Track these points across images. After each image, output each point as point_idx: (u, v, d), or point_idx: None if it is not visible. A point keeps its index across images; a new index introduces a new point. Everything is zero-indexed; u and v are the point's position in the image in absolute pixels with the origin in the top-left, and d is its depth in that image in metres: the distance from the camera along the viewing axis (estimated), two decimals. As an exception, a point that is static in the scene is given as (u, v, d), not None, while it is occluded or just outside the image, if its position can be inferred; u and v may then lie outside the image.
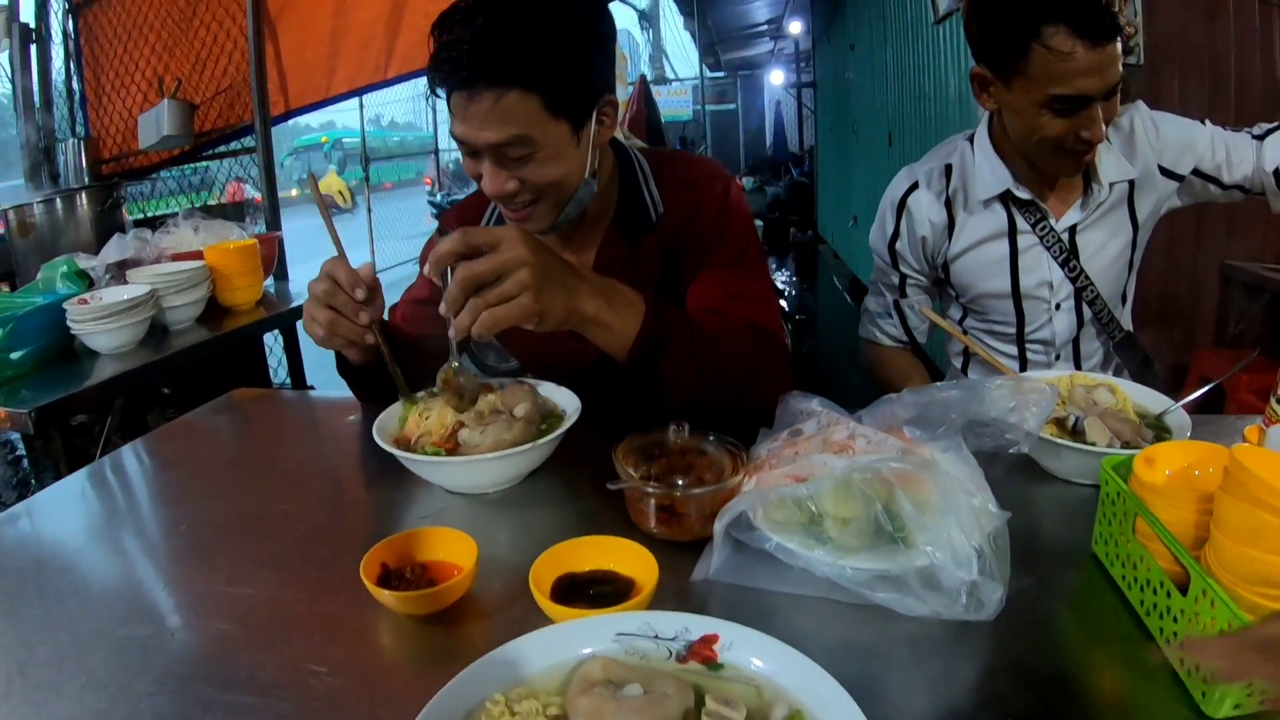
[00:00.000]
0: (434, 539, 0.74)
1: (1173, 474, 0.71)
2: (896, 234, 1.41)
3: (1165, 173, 1.30)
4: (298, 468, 1.09)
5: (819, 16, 9.18)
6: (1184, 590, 0.59)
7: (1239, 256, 2.56)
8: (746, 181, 11.39)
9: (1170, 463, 0.71)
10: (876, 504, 0.69)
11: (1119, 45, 1.11)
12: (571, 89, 0.96)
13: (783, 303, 6.76)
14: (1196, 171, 1.29)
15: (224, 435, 1.25)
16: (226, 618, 0.72)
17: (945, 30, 3.56)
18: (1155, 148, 1.29)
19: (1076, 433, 0.93)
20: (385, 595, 0.67)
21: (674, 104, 13.21)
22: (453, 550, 0.73)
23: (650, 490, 0.75)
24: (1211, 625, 0.56)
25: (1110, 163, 1.28)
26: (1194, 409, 0.95)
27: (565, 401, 0.99)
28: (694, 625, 0.56)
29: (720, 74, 17.04)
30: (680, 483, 0.76)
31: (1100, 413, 0.97)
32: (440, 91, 0.97)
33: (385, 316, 1.09)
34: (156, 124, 2.62)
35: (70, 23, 2.99)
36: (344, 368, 1.13)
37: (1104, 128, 1.15)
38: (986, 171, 1.31)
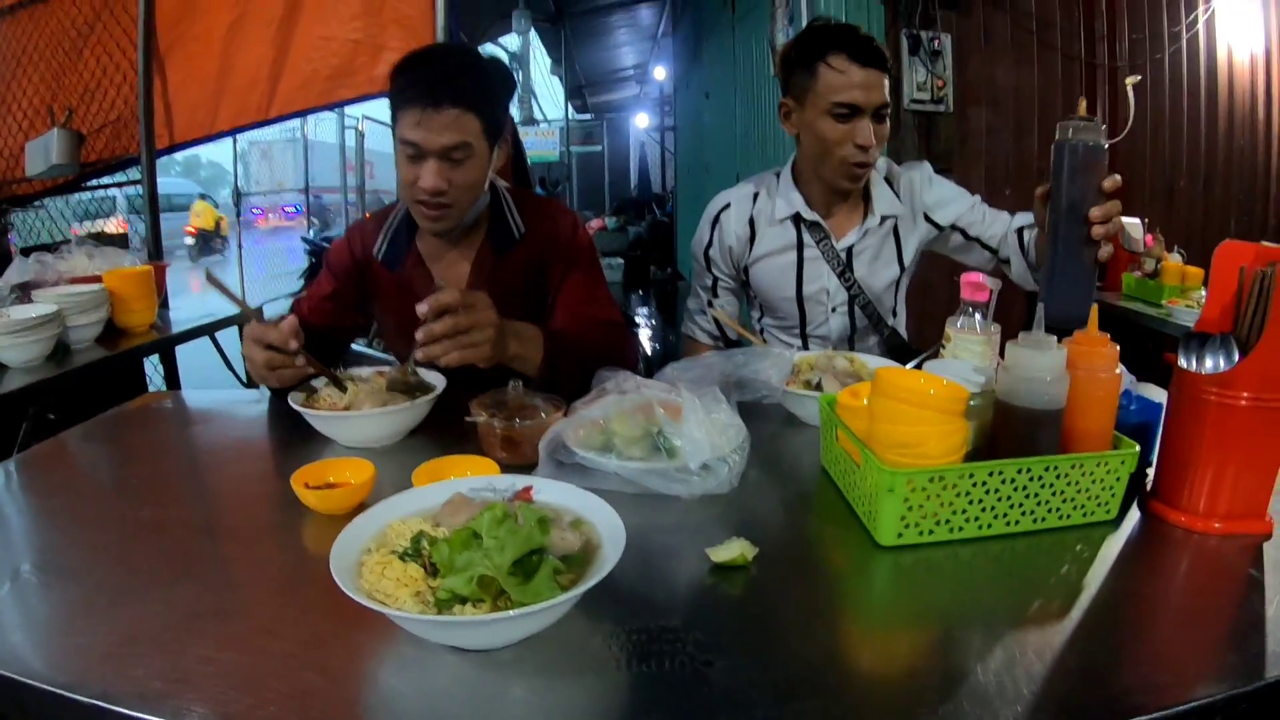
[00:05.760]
0: (339, 466, 1.03)
1: (868, 401, 0.96)
2: (710, 242, 1.78)
3: (928, 219, 1.71)
4: (210, 448, 1.32)
5: (680, 64, 9.63)
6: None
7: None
8: (610, 221, 11.82)
9: (867, 394, 0.98)
10: (652, 427, 1.03)
11: (885, 78, 1.54)
12: (497, 120, 1.37)
13: (643, 336, 7.14)
14: (955, 227, 1.71)
15: (148, 431, 1.44)
16: (189, 522, 0.97)
17: (782, 80, 4.02)
18: (924, 198, 1.70)
19: (818, 388, 1.30)
20: (308, 495, 0.95)
21: (541, 145, 13.57)
22: (354, 473, 1.01)
23: (496, 425, 1.06)
24: (873, 479, 0.87)
25: (885, 199, 1.69)
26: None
27: (434, 379, 1.29)
28: (519, 481, 0.88)
29: (587, 116, 17.30)
30: (516, 421, 1.07)
31: (835, 372, 1.35)
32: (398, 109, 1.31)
33: (289, 313, 1.37)
34: (45, 152, 2.68)
35: (-45, 47, 2.98)
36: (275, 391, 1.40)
37: (876, 143, 1.55)
38: (785, 197, 1.70)
